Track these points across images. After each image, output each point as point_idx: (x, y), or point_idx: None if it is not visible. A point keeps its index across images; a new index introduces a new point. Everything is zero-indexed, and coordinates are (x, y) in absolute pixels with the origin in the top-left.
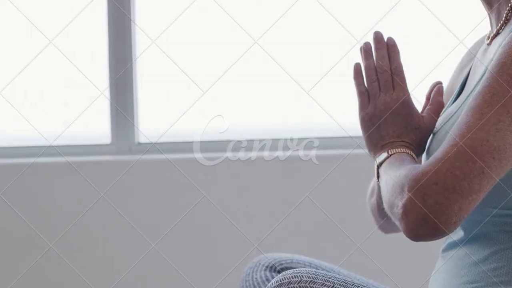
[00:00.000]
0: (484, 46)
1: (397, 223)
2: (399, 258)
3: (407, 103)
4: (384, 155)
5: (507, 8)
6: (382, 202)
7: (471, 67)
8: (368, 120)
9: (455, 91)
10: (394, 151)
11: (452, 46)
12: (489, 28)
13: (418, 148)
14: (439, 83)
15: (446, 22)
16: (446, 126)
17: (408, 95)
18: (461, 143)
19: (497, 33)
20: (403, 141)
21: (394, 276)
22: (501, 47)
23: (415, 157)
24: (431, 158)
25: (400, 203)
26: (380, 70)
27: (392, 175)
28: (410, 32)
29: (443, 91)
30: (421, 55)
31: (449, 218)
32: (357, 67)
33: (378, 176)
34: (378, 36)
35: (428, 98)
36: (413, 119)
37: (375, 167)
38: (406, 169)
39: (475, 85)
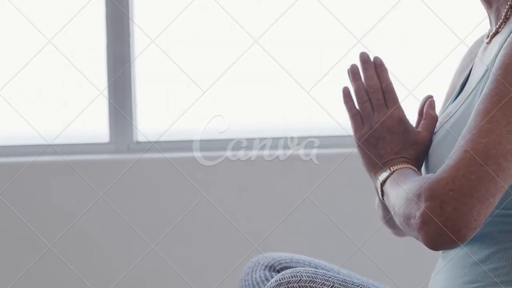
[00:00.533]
0: (484, 45)
1: (415, 234)
2: (399, 258)
3: (403, 120)
4: (386, 172)
5: (506, 7)
6: (388, 217)
7: (472, 66)
8: (365, 141)
9: (456, 90)
10: (396, 168)
11: (453, 45)
12: (488, 27)
13: (417, 163)
14: (430, 97)
15: (447, 21)
16: (446, 125)
17: (403, 111)
18: (464, 147)
19: (497, 32)
20: (402, 157)
21: (395, 277)
22: (503, 48)
23: (417, 171)
24: (444, 166)
25: (417, 214)
26: (371, 90)
27: (403, 188)
28: (410, 31)
29: (435, 104)
30: (422, 55)
31: (468, 223)
32: (345, 91)
33: (382, 194)
34: (364, 57)
35: (420, 113)
36: (409, 135)
37: (378, 185)
38: (418, 179)
39: (476, 84)
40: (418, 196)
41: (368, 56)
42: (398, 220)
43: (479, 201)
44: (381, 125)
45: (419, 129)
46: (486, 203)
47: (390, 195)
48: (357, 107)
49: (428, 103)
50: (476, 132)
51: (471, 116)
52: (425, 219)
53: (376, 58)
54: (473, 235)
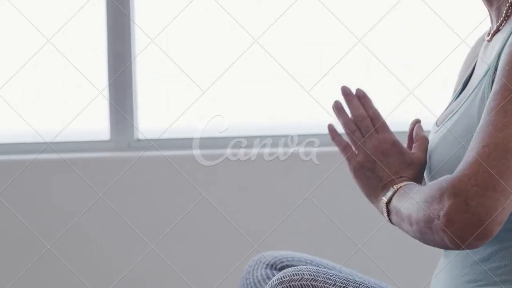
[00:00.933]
0: (485, 43)
1: (439, 235)
2: (401, 257)
3: (396, 142)
4: (390, 191)
5: (507, 5)
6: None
7: (474, 64)
8: (361, 167)
9: (458, 89)
10: (400, 185)
11: (454, 45)
12: (489, 25)
13: (417, 182)
14: (418, 121)
15: (448, 20)
16: (448, 123)
17: (394, 135)
18: (482, 142)
19: (497, 30)
20: (402, 176)
21: (396, 276)
22: (508, 45)
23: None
24: (463, 164)
25: (441, 213)
26: (358, 119)
27: (419, 195)
28: (411, 31)
29: (422, 127)
30: (423, 55)
31: (494, 218)
32: (331, 127)
33: (388, 214)
34: (346, 90)
35: (410, 137)
36: (404, 156)
37: (383, 205)
38: (435, 182)
39: (478, 82)
40: (441, 196)
41: (349, 89)
42: (416, 228)
43: (502, 194)
44: (375, 149)
45: (413, 150)
46: (510, 197)
47: (402, 208)
48: (346, 140)
49: (417, 126)
50: (492, 127)
51: (484, 114)
52: (450, 218)
53: (358, 90)
54: (498, 230)
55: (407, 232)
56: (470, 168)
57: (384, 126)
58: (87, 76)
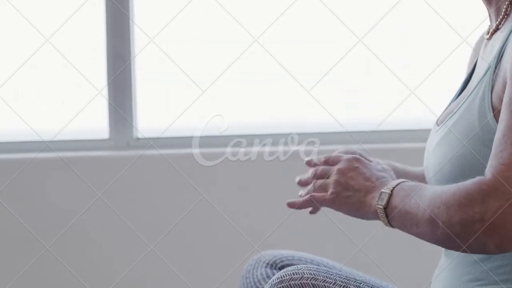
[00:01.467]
0: (484, 41)
1: (481, 239)
2: (401, 257)
3: (359, 157)
4: (384, 194)
5: (506, 3)
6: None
7: (475, 64)
8: (337, 195)
9: (458, 89)
10: (392, 186)
11: (455, 44)
12: (489, 23)
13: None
14: None
15: (449, 20)
16: (448, 123)
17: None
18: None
19: (497, 28)
20: (380, 178)
21: (397, 276)
22: None
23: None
24: (496, 164)
25: (486, 217)
26: (313, 172)
27: (445, 196)
28: (412, 31)
29: None
30: (424, 54)
31: None
32: (291, 205)
33: (387, 217)
34: (299, 183)
35: None
36: (373, 163)
37: (380, 211)
38: (469, 184)
39: (479, 82)
40: (482, 198)
41: (299, 180)
42: (442, 232)
43: None
44: (342, 172)
45: None
46: None
47: (416, 210)
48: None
49: None
50: None
51: (504, 115)
52: (497, 219)
53: (305, 163)
54: None
55: (419, 235)
56: (509, 167)
57: (338, 157)
58: (86, 75)
